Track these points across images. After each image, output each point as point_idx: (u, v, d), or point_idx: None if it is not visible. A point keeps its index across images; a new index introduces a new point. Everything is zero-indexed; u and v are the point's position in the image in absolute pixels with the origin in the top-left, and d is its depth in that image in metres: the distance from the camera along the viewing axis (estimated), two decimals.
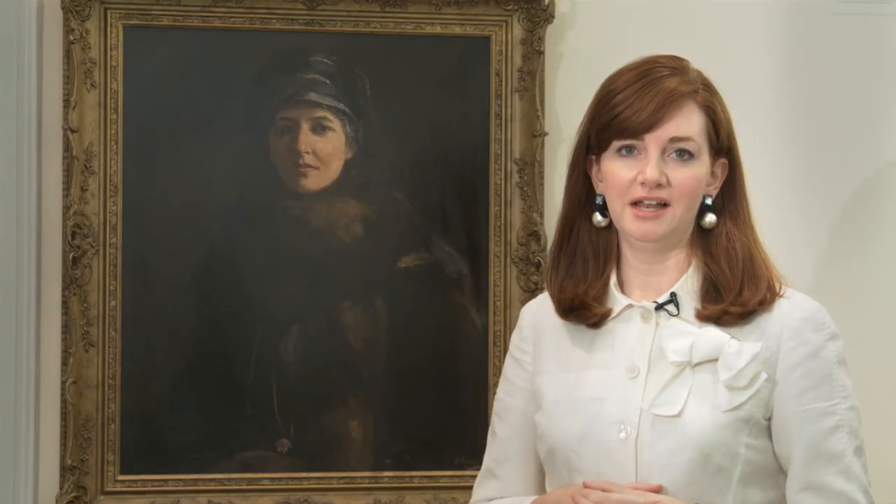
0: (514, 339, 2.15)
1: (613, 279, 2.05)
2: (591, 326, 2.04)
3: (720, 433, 1.93)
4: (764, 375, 1.95)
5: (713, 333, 1.97)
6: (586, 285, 2.05)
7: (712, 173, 2.02)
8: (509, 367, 2.14)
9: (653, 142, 1.97)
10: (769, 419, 1.97)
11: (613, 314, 2.03)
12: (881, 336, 2.89)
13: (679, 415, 1.94)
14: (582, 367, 2.03)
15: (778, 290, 1.99)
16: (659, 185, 1.97)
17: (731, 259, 2.00)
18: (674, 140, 1.98)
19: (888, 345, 2.89)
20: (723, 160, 2.03)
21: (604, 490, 1.93)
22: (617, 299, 2.03)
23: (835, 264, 2.90)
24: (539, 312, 2.12)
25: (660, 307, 2.01)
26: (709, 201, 2.02)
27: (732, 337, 1.96)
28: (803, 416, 1.95)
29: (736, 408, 1.94)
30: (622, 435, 1.96)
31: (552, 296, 2.09)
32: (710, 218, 2.02)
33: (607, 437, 1.97)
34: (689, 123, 1.99)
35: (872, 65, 2.93)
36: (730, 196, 2.04)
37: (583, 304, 2.04)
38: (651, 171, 1.96)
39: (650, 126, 1.97)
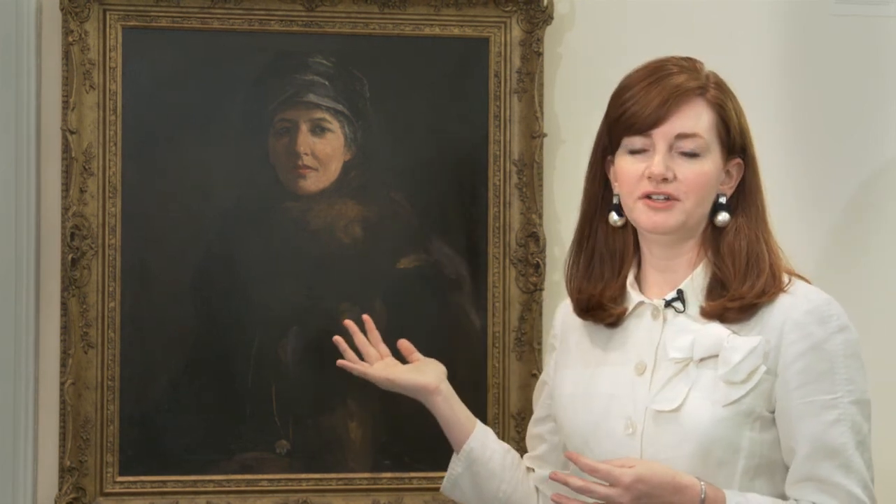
0: (550, 335, 2.25)
1: (630, 277, 2.09)
2: (608, 326, 2.09)
3: (719, 427, 1.96)
4: (763, 369, 1.97)
5: (714, 329, 2.00)
6: (603, 285, 2.11)
7: (727, 172, 2.05)
8: (547, 358, 2.28)
9: (660, 137, 2.01)
10: (774, 411, 1.98)
11: (628, 311, 2.08)
12: (881, 335, 2.88)
13: (678, 409, 1.98)
14: (598, 364, 2.09)
15: (784, 284, 2.01)
16: (665, 180, 2.01)
17: (734, 254, 2.02)
18: (680, 136, 2.02)
19: (888, 344, 2.88)
20: (737, 160, 2.05)
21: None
22: (631, 297, 2.08)
23: (834, 264, 2.89)
24: (569, 310, 2.18)
25: (668, 304, 2.04)
26: (723, 200, 2.05)
27: (734, 332, 1.99)
28: (804, 408, 1.96)
29: (735, 402, 1.96)
30: (629, 431, 2.01)
31: (570, 296, 2.15)
32: (723, 217, 2.05)
33: (616, 433, 2.03)
34: (696, 120, 2.02)
35: (872, 65, 2.93)
36: (744, 195, 2.06)
37: (599, 304, 2.10)
38: (657, 166, 2.01)
39: (656, 121, 2.01)
